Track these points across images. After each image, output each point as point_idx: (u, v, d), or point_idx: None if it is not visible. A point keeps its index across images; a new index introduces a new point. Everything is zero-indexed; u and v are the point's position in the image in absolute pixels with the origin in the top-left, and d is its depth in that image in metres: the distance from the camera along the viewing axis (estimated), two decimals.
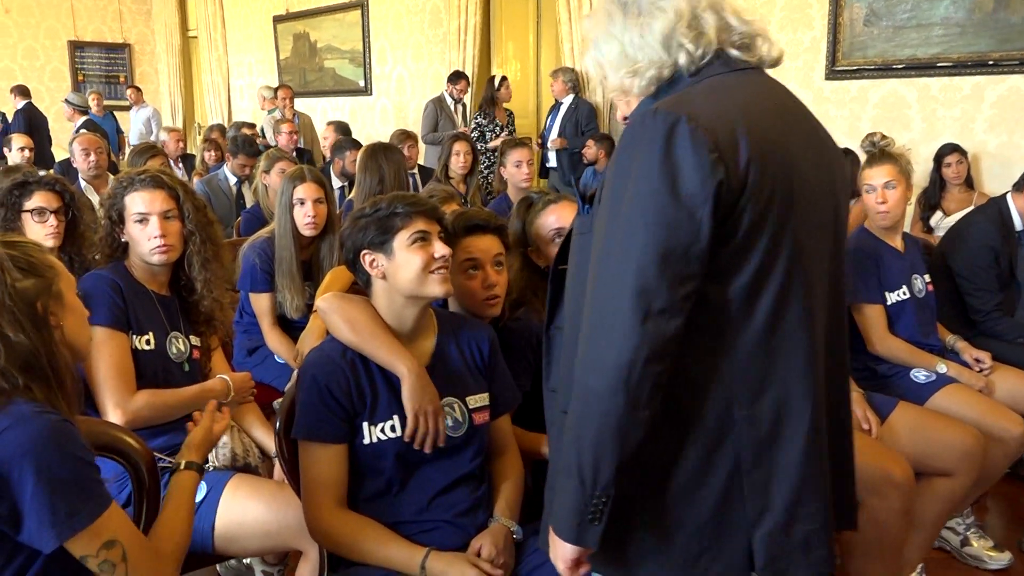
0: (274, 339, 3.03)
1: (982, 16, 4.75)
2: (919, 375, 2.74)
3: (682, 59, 1.21)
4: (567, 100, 6.73)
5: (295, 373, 3.00)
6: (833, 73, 5.47)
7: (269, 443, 2.20)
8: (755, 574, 1.19)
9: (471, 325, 1.90)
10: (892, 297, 2.83)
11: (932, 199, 4.87)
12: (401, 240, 1.72)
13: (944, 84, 5.01)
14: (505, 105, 6.93)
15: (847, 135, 5.40)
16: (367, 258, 1.75)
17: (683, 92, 1.19)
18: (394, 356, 1.71)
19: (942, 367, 2.75)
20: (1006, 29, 4.66)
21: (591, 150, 6.17)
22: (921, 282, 2.91)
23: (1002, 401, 2.72)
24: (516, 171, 3.96)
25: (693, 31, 1.21)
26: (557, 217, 2.08)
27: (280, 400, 2.61)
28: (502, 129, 6.72)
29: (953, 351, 2.94)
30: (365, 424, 1.71)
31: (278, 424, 1.80)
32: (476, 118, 6.76)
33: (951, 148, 4.79)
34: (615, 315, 1.11)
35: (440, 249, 1.72)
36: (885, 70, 5.21)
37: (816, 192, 1.21)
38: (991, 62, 4.76)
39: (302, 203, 2.93)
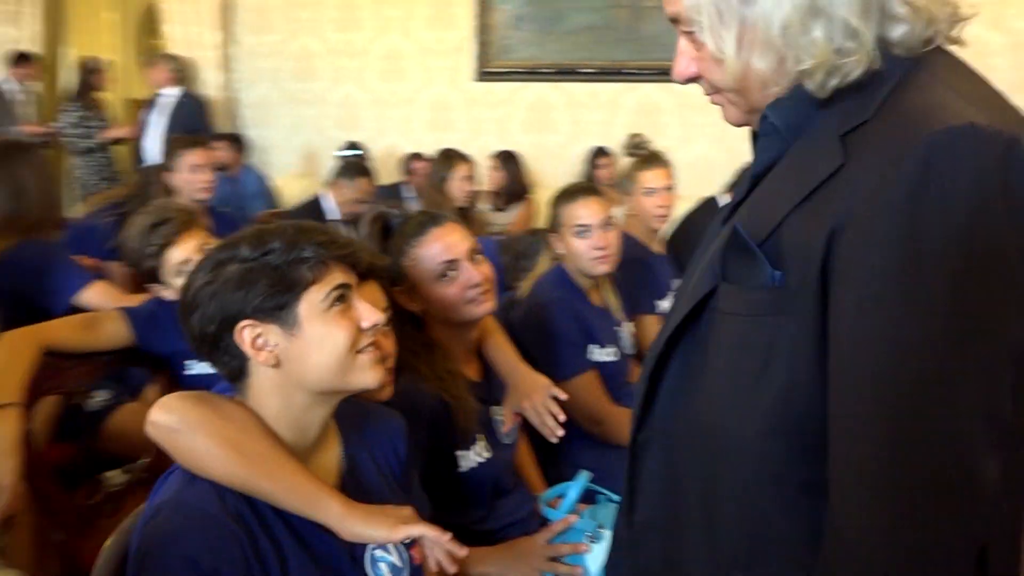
0: None
1: (619, 26, 5.05)
2: None
3: (897, 32, 0.81)
4: (172, 93, 5.72)
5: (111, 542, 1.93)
6: (483, 75, 5.41)
7: None
8: None
9: (376, 416, 1.26)
10: (662, 305, 2.75)
11: None
12: (311, 304, 1.04)
13: (588, 89, 5.25)
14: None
15: (498, 137, 5.40)
16: (248, 334, 1.04)
17: (935, 88, 0.78)
18: (317, 493, 1.04)
19: None
20: (641, 40, 5.02)
21: (224, 153, 5.28)
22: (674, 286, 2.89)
23: None
24: (192, 177, 3.11)
25: None
26: (446, 247, 1.51)
27: None
28: (101, 123, 5.48)
29: None
30: None
31: None
32: (71, 110, 5.40)
33: (601, 151, 5.03)
34: (948, 460, 0.70)
35: (368, 314, 1.09)
36: (533, 73, 5.30)
37: None
38: (627, 71, 5.10)
39: None
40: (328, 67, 5.78)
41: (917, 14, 0.79)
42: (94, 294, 2.46)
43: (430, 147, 5.25)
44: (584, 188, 2.18)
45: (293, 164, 5.96)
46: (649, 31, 4.99)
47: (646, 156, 2.73)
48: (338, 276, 1.07)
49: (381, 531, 1.07)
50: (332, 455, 1.17)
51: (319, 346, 1.05)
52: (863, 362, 0.73)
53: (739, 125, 0.96)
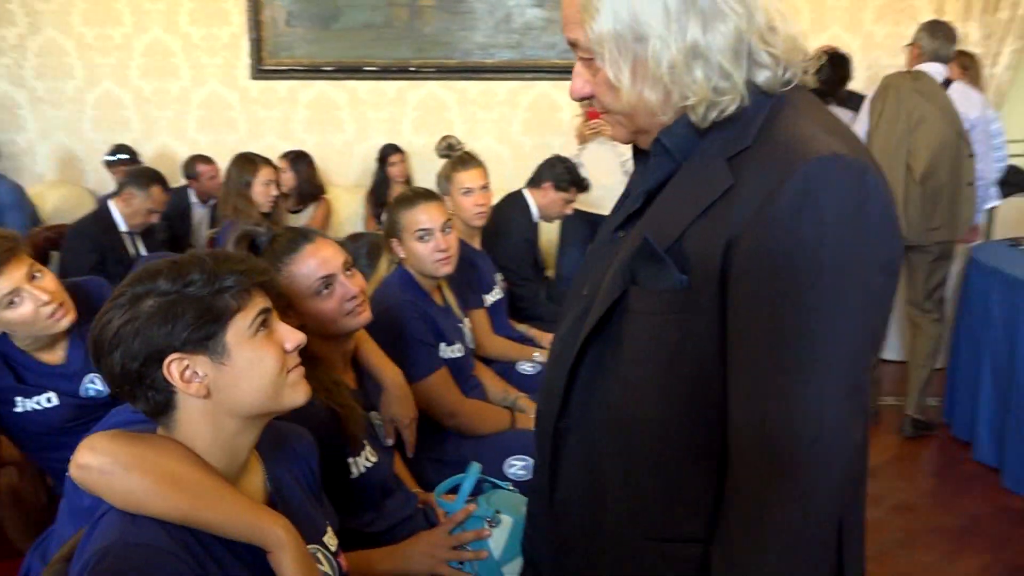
0: None
1: (400, 25, 5.11)
2: (525, 367, 2.88)
3: (763, 76, 0.99)
4: None
5: None
6: (260, 72, 5.23)
7: None
8: None
9: (288, 434, 1.28)
10: (488, 299, 2.90)
11: (381, 197, 5.09)
12: (238, 331, 1.05)
13: (371, 87, 5.26)
14: None
15: (280, 136, 5.28)
16: (176, 367, 1.02)
17: (800, 122, 0.95)
18: (260, 519, 1.06)
19: (539, 356, 2.93)
20: (421, 39, 5.12)
21: None
22: (499, 278, 3.04)
23: None
24: None
25: (768, 41, 0.98)
26: (321, 262, 1.52)
27: None
28: None
29: (531, 340, 3.15)
30: None
31: None
32: None
33: (392, 148, 5.07)
34: (824, 426, 0.89)
35: (291, 336, 1.12)
36: (314, 71, 5.21)
37: None
38: (411, 68, 5.18)
39: None
40: (80, 64, 5.30)
41: (777, 61, 0.98)
42: None
43: (206, 148, 5.01)
44: (423, 193, 2.26)
45: (49, 170, 5.43)
46: (428, 30, 5.09)
47: (461, 157, 2.84)
48: (259, 301, 1.09)
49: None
50: (257, 478, 1.18)
51: (249, 372, 1.06)
52: (754, 348, 0.91)
53: (625, 143, 1.11)
